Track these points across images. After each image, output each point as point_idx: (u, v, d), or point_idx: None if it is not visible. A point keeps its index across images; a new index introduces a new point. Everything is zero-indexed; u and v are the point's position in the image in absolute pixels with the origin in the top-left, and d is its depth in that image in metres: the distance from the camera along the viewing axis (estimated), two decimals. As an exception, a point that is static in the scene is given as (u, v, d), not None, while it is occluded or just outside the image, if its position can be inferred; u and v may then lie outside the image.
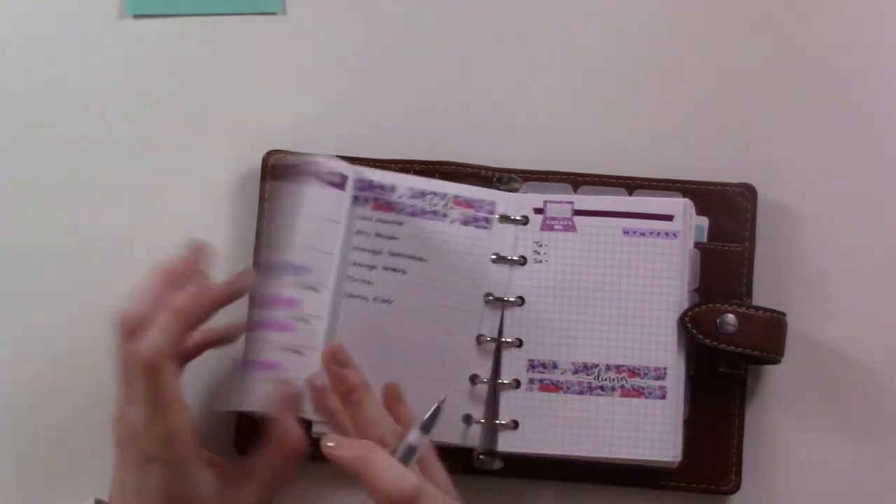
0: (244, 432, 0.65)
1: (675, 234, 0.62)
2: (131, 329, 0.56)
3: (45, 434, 0.67)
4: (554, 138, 0.68)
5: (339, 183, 0.63)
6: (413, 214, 0.63)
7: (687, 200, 0.63)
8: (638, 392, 0.61)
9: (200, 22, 0.70)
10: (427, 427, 0.54)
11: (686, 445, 0.62)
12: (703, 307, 0.61)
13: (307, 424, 0.63)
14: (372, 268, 0.63)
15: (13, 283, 0.68)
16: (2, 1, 0.70)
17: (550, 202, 0.63)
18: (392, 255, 0.63)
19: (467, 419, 0.63)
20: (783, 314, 0.62)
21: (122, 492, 0.56)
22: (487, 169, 0.66)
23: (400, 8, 0.70)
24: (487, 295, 0.63)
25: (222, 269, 0.63)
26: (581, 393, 0.62)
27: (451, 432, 0.62)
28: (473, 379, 0.63)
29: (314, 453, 0.63)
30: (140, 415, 0.55)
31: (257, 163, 0.66)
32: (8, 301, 0.68)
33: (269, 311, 0.62)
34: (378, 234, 0.63)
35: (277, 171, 0.63)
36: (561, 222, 0.63)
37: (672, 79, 0.68)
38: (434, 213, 0.63)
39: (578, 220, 0.63)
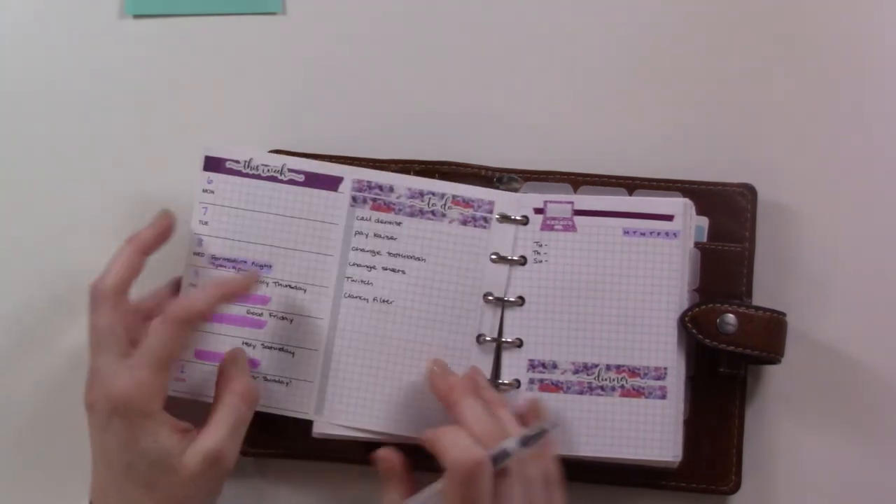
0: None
1: (675, 234, 0.62)
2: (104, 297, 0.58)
3: (40, 434, 0.67)
4: (554, 138, 0.68)
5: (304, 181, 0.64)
6: (412, 215, 0.63)
7: (687, 200, 0.62)
8: (638, 392, 0.61)
9: (200, 22, 0.70)
10: (526, 441, 0.55)
11: (686, 445, 0.62)
12: (703, 307, 0.61)
13: (307, 423, 0.63)
14: (371, 268, 0.63)
15: (15, 283, 0.68)
16: (2, 1, 0.70)
17: (550, 202, 0.63)
18: (391, 255, 0.63)
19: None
20: (783, 314, 0.62)
21: (94, 460, 0.58)
22: (487, 169, 0.66)
23: (400, 8, 0.70)
24: (487, 294, 0.63)
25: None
26: (581, 393, 0.62)
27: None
28: (474, 379, 0.62)
29: (315, 454, 0.64)
30: (101, 366, 0.57)
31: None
32: (8, 300, 0.68)
33: (236, 307, 0.63)
34: (377, 235, 0.63)
35: (217, 164, 0.63)
36: (561, 222, 0.63)
37: (672, 79, 0.68)
38: (433, 213, 0.63)
39: (578, 220, 0.63)
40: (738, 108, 0.68)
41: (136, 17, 0.70)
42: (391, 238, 0.63)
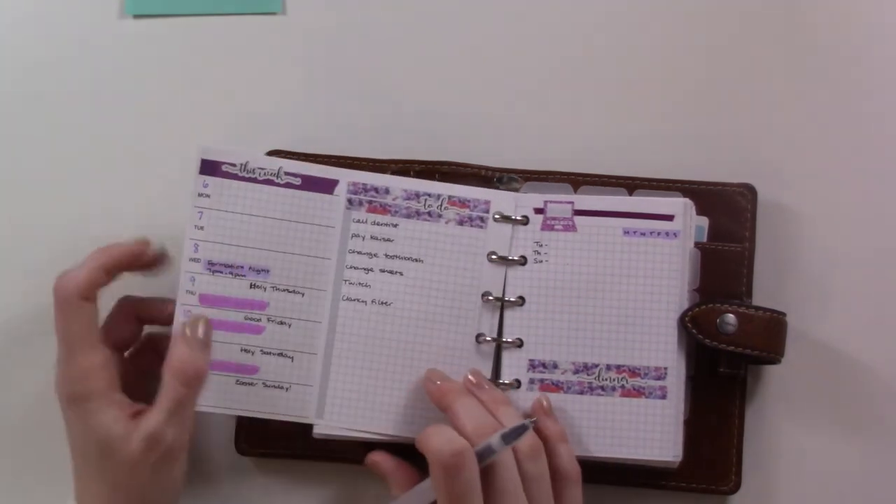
0: (244, 433, 0.65)
1: (675, 234, 0.62)
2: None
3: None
4: (554, 138, 0.68)
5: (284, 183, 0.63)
6: (408, 216, 0.63)
7: (687, 200, 0.62)
8: (638, 392, 0.61)
9: (200, 22, 0.70)
10: (507, 438, 0.55)
11: (686, 445, 0.62)
12: (703, 307, 0.61)
13: (308, 424, 0.63)
14: (369, 270, 0.63)
15: (13, 282, 0.68)
16: (2, 1, 0.70)
17: (551, 202, 0.63)
18: (388, 257, 0.63)
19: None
20: (783, 314, 0.62)
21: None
22: (487, 169, 0.66)
23: (400, 8, 0.69)
24: (485, 294, 0.63)
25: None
26: (582, 393, 0.62)
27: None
28: (475, 378, 0.62)
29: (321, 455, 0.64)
30: (60, 355, 0.57)
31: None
32: (8, 300, 0.68)
33: (234, 313, 0.62)
34: (374, 237, 0.63)
35: (214, 167, 0.62)
36: (561, 222, 0.63)
37: (672, 79, 0.68)
38: (429, 214, 0.63)
39: (579, 220, 0.63)
40: (738, 109, 0.68)
41: (136, 17, 0.70)
42: (388, 240, 0.63)
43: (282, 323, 0.63)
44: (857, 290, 0.66)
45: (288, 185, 0.63)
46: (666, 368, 0.61)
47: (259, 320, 0.63)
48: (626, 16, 0.69)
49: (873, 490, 0.65)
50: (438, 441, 0.55)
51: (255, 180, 0.63)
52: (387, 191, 0.63)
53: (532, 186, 0.65)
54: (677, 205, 0.62)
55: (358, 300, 0.63)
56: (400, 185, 0.63)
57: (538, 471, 0.57)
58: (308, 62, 0.69)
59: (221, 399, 0.62)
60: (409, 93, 0.69)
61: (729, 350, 0.62)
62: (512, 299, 0.63)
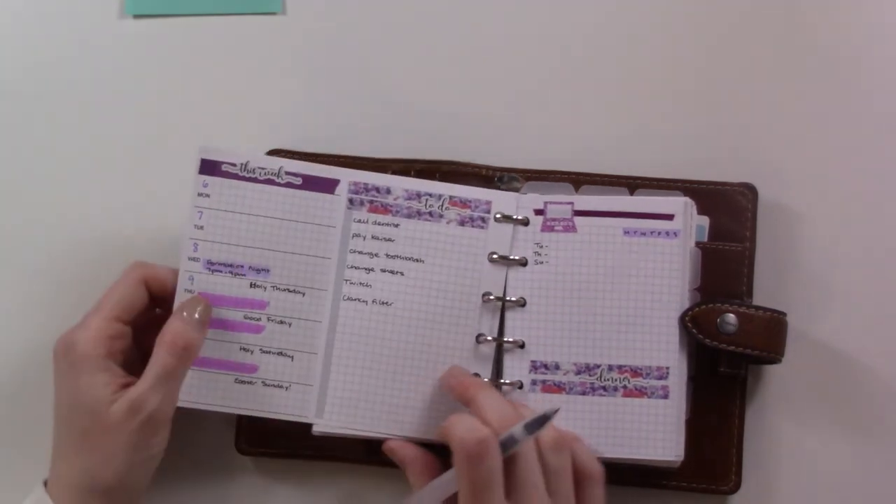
0: (244, 432, 0.65)
1: (675, 234, 0.62)
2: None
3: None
4: (555, 137, 0.68)
5: (283, 181, 0.63)
6: (409, 216, 0.63)
7: (687, 199, 0.62)
8: (640, 392, 0.61)
9: (200, 22, 0.70)
10: (530, 427, 0.55)
11: (687, 445, 0.62)
12: (704, 307, 0.61)
13: (309, 427, 0.63)
14: (370, 270, 0.63)
15: (11, 281, 0.68)
16: (1, 1, 0.70)
17: (550, 203, 0.63)
18: (389, 257, 0.63)
19: (470, 420, 0.62)
20: (783, 314, 0.62)
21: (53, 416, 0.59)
22: (489, 168, 0.66)
23: (400, 8, 0.69)
24: (486, 294, 0.63)
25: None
26: (584, 394, 0.62)
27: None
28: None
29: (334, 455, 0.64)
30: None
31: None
32: (8, 300, 0.68)
33: (234, 312, 0.62)
34: (375, 237, 0.63)
35: (213, 167, 0.62)
36: (561, 223, 0.63)
37: (673, 78, 0.68)
38: (430, 214, 0.63)
39: (579, 220, 0.63)
40: (738, 108, 0.68)
41: (136, 17, 0.70)
42: (389, 240, 0.63)
43: (282, 322, 0.63)
44: (857, 290, 0.66)
45: (289, 185, 0.63)
46: (668, 368, 0.61)
47: (259, 319, 0.63)
48: (626, 15, 0.69)
49: (873, 489, 0.65)
50: (462, 429, 0.55)
51: (255, 180, 0.63)
52: (388, 191, 0.63)
53: (533, 186, 0.65)
54: (677, 204, 0.62)
55: (359, 300, 0.63)
56: (401, 184, 0.63)
57: (560, 464, 0.57)
58: (308, 62, 0.69)
59: (220, 397, 0.62)
60: (409, 92, 0.69)
61: (729, 350, 0.62)
62: (513, 300, 0.62)
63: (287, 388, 0.63)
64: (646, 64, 0.68)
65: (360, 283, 0.63)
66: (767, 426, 0.65)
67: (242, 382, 0.62)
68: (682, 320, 0.61)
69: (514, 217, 0.63)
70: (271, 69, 0.69)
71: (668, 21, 0.69)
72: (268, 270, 0.63)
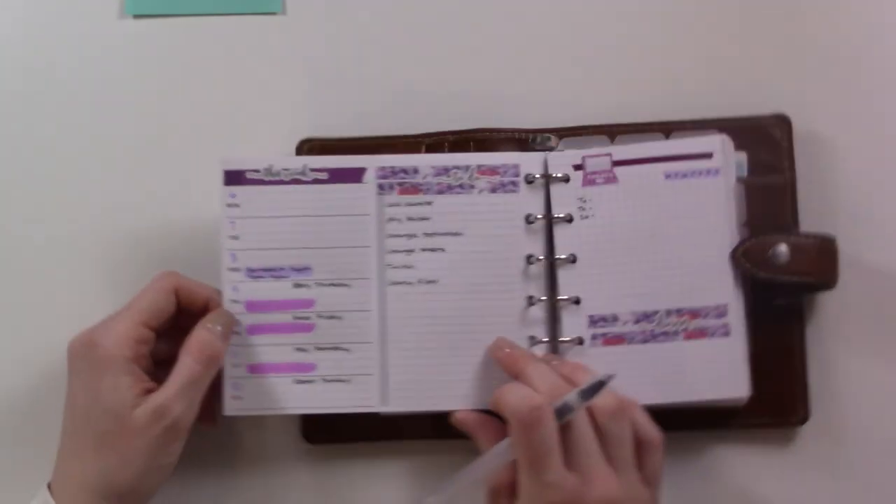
0: (310, 422, 0.65)
1: (716, 171, 0.62)
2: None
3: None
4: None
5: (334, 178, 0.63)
6: (440, 192, 0.63)
7: (724, 136, 0.62)
8: (702, 332, 0.61)
9: (200, 22, 0.69)
10: (585, 394, 0.55)
11: (751, 381, 0.62)
12: (754, 240, 0.61)
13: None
14: (410, 252, 0.63)
15: (11, 281, 0.68)
16: (1, 1, 0.70)
17: (588, 157, 0.63)
18: (427, 235, 0.63)
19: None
20: (833, 238, 0.62)
21: (63, 416, 0.59)
22: (521, 131, 0.66)
23: (400, 7, 0.69)
24: (529, 256, 0.62)
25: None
26: (645, 342, 0.61)
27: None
28: (532, 340, 0.62)
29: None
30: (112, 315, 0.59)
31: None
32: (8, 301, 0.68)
33: (283, 314, 0.62)
34: (410, 218, 0.63)
35: (238, 176, 0.62)
36: (602, 175, 0.63)
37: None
38: (461, 186, 0.63)
39: (619, 170, 0.62)
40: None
41: (136, 17, 0.70)
42: (424, 219, 0.63)
43: (332, 317, 0.63)
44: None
45: (315, 181, 0.63)
46: (726, 305, 0.61)
47: (308, 318, 0.62)
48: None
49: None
50: (515, 397, 0.55)
51: (281, 182, 0.63)
52: (415, 170, 0.63)
53: (568, 143, 0.65)
54: (714, 141, 0.62)
55: (404, 282, 0.63)
56: (428, 161, 0.63)
57: (620, 431, 0.56)
58: (308, 62, 0.69)
59: (283, 400, 0.62)
60: (415, 86, 0.68)
61: (784, 280, 0.61)
62: (563, 257, 0.62)
63: (348, 380, 0.62)
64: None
65: (403, 266, 0.63)
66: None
67: (302, 382, 0.62)
68: (734, 256, 0.61)
69: (553, 175, 0.63)
70: (271, 69, 0.69)
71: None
72: (309, 269, 0.63)
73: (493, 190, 0.63)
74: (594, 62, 0.68)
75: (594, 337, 0.62)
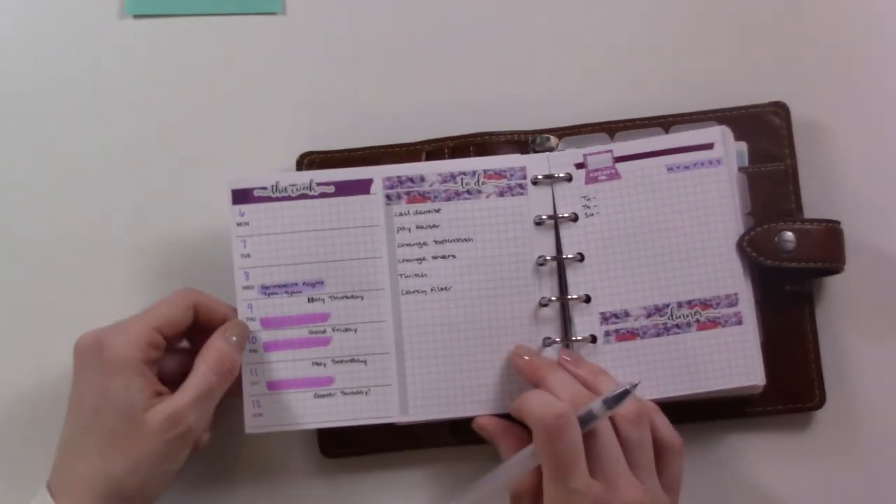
0: (328, 435, 0.65)
1: (718, 161, 0.62)
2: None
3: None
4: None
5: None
6: (448, 199, 0.63)
7: (724, 126, 0.63)
8: (714, 322, 0.61)
9: (200, 22, 0.70)
10: (609, 402, 0.55)
11: (765, 369, 0.62)
12: (759, 229, 0.62)
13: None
14: (422, 260, 0.63)
15: (11, 281, 0.68)
16: (1, 1, 0.70)
17: (590, 154, 0.63)
18: (437, 242, 0.63)
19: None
20: (838, 222, 0.62)
21: (67, 414, 0.58)
22: (521, 133, 0.66)
23: (400, 6, 0.70)
24: (540, 258, 0.62)
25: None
26: (658, 335, 0.62)
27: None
28: (546, 342, 0.62)
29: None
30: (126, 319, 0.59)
31: (257, 162, 0.67)
32: (8, 301, 0.68)
33: (298, 329, 0.63)
34: (419, 227, 0.63)
35: (245, 195, 0.63)
36: (604, 172, 0.63)
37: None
38: (468, 192, 0.63)
39: (621, 166, 0.63)
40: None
41: (136, 17, 0.70)
42: (434, 226, 0.63)
43: (347, 330, 0.63)
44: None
45: (323, 195, 0.63)
46: (736, 294, 0.61)
47: (324, 332, 0.63)
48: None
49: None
50: (539, 405, 0.55)
51: (289, 198, 0.63)
52: (422, 178, 0.63)
53: (569, 142, 0.66)
54: (714, 132, 0.62)
55: (417, 291, 0.63)
56: (434, 169, 0.63)
57: (641, 437, 0.56)
58: (309, 62, 0.69)
59: (303, 415, 0.63)
60: (415, 86, 0.69)
61: (792, 267, 0.62)
62: (570, 256, 0.62)
63: (367, 392, 0.63)
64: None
65: (416, 275, 0.63)
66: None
67: (322, 396, 0.63)
68: (741, 245, 0.61)
69: (556, 175, 0.63)
70: (271, 69, 0.69)
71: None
72: (322, 282, 0.63)
73: (501, 194, 0.63)
74: (591, 60, 0.69)
75: (607, 334, 0.62)
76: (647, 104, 0.66)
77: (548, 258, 0.63)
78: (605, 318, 0.62)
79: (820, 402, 0.64)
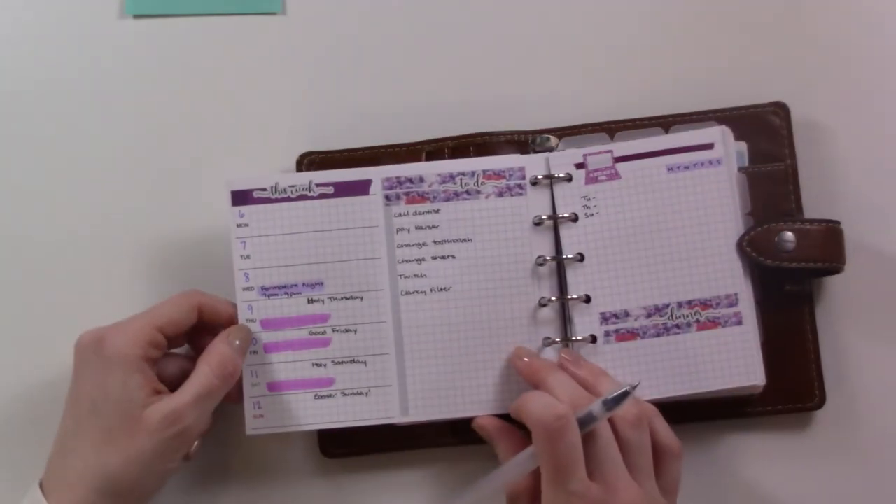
0: (328, 435, 0.65)
1: (718, 161, 0.62)
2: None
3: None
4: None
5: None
6: (447, 199, 0.63)
7: (724, 126, 0.63)
8: (714, 323, 0.61)
9: (200, 22, 0.70)
10: (609, 404, 0.55)
11: (765, 369, 0.62)
12: (759, 229, 0.62)
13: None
14: (421, 261, 0.63)
15: (10, 281, 0.68)
16: (2, 1, 0.70)
17: (590, 154, 0.63)
18: (437, 243, 0.63)
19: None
20: (838, 222, 0.62)
21: (65, 409, 0.58)
22: (521, 133, 0.66)
23: (400, 6, 0.69)
24: (539, 258, 0.62)
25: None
26: (658, 335, 0.62)
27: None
28: (546, 342, 0.62)
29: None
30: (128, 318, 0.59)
31: (257, 162, 0.67)
32: (8, 301, 0.68)
33: (298, 331, 0.63)
34: (419, 227, 0.63)
35: (245, 196, 0.63)
36: (604, 172, 0.63)
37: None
38: (467, 192, 0.63)
39: (621, 166, 0.63)
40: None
41: (136, 17, 0.70)
42: (433, 227, 0.63)
43: (347, 330, 0.63)
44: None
45: (322, 196, 0.63)
46: (736, 294, 0.61)
47: (324, 332, 0.63)
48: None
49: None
50: (538, 406, 0.55)
51: (288, 199, 0.63)
52: (421, 179, 0.63)
53: (569, 142, 0.65)
54: (714, 132, 0.62)
55: (417, 292, 0.63)
56: (433, 169, 0.63)
57: (640, 440, 0.56)
58: (309, 62, 0.69)
59: (304, 416, 0.63)
60: (415, 86, 0.69)
61: (791, 267, 0.62)
62: (570, 256, 0.62)
63: (367, 393, 0.63)
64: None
65: (415, 276, 0.63)
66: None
67: (322, 397, 0.63)
68: (741, 245, 0.61)
69: (556, 175, 0.63)
70: (271, 69, 0.69)
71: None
72: (322, 283, 0.63)
73: (500, 194, 0.63)
74: (591, 60, 0.69)
75: (607, 334, 0.62)
76: (647, 104, 0.66)
77: (547, 258, 0.63)
78: (604, 319, 0.62)
79: (820, 402, 0.64)
